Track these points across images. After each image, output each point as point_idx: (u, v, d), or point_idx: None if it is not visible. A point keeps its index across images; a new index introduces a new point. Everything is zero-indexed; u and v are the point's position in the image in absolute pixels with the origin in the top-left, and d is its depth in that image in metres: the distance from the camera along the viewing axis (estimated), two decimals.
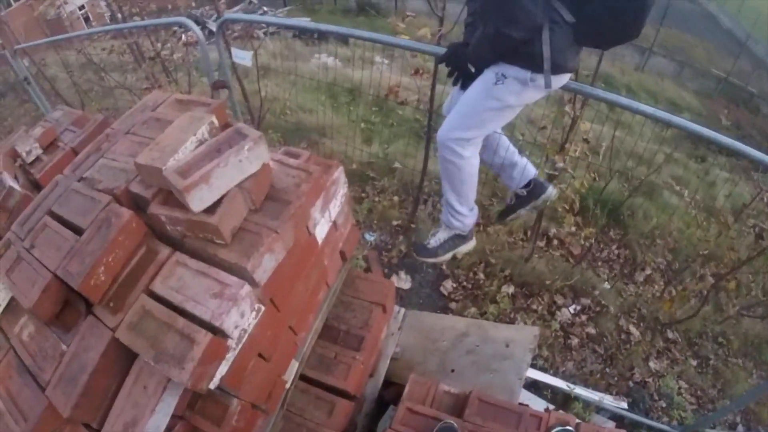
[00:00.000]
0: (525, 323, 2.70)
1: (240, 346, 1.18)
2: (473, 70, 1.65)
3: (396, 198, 3.45)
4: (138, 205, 1.25)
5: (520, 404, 2.27)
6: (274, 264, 1.20)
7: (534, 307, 2.82)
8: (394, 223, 3.27)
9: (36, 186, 1.63)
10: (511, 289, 2.87)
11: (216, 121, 1.27)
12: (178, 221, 1.15)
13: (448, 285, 2.92)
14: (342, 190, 1.56)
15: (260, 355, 1.30)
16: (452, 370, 2.35)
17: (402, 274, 3.01)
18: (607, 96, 1.78)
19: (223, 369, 1.14)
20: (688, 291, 2.67)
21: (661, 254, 3.16)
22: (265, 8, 12.66)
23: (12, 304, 1.28)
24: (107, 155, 1.35)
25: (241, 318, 1.12)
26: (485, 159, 2.01)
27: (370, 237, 3.23)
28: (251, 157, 1.15)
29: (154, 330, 1.09)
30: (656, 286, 3.08)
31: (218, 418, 1.25)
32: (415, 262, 3.01)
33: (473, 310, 2.74)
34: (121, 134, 1.43)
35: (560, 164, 2.17)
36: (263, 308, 1.22)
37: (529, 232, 3.19)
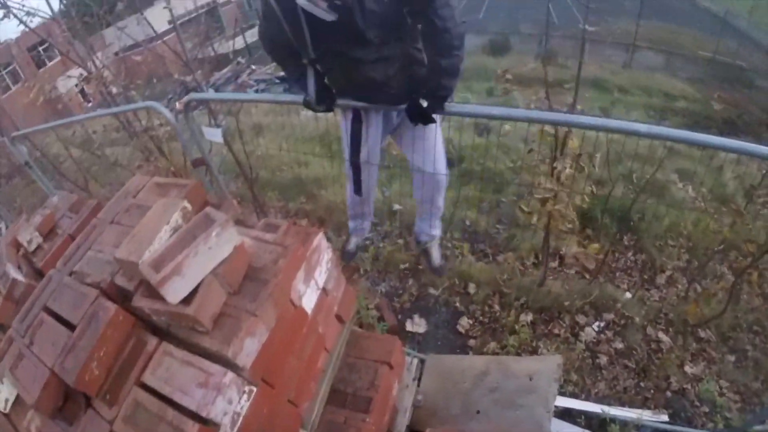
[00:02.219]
0: (548, 350, 2.60)
1: (235, 429, 1.16)
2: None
3: (401, 241, 3.44)
4: (125, 295, 1.28)
5: None
6: (258, 346, 1.19)
7: (556, 331, 2.71)
8: (402, 266, 3.25)
9: (39, 273, 1.70)
10: (529, 317, 2.78)
11: (189, 206, 1.30)
12: (160, 312, 1.17)
13: (464, 322, 2.86)
14: (327, 256, 1.56)
15: None
16: (477, 412, 2.26)
17: (416, 318, 2.97)
18: (593, 122, 1.72)
19: None
20: (710, 290, 2.52)
21: (677, 256, 3.01)
22: (253, 66, 13.15)
23: (20, 398, 1.32)
24: (94, 247, 1.39)
25: (229, 404, 1.11)
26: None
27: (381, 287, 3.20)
28: (220, 242, 1.16)
29: (147, 422, 1.11)
30: (680, 286, 2.94)
31: None
32: (428, 304, 2.98)
33: (493, 344, 2.66)
34: (106, 224, 1.48)
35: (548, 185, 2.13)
36: (255, 389, 1.21)
37: (539, 255, 3.11)
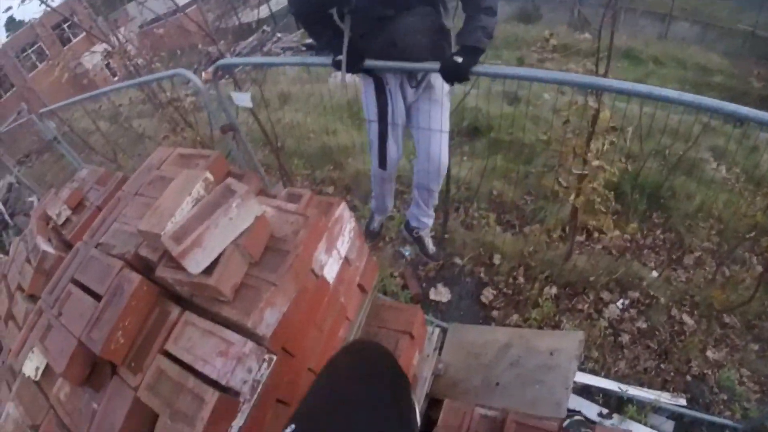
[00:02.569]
0: (571, 325, 2.55)
1: (255, 397, 1.18)
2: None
3: None
4: (149, 266, 1.30)
5: (570, 411, 2.14)
6: (279, 316, 1.19)
7: (579, 306, 2.65)
8: None
9: (68, 246, 1.75)
10: (553, 291, 2.72)
11: (211, 177, 1.29)
12: (183, 283, 1.18)
13: (488, 293, 2.82)
14: (349, 226, 1.54)
15: (280, 401, 1.30)
16: (497, 384, 2.25)
17: (440, 287, 2.95)
18: (622, 86, 1.61)
19: (239, 421, 1.15)
20: (739, 276, 2.39)
21: (707, 237, 2.86)
22: (279, 34, 12.94)
23: (49, 367, 1.38)
24: (119, 219, 1.41)
25: (248, 373, 1.12)
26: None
27: (406, 252, 3.19)
28: (241, 213, 1.15)
29: (169, 390, 1.13)
30: (707, 269, 2.81)
31: None
32: (452, 273, 2.95)
33: (516, 317, 2.63)
34: (130, 196, 1.50)
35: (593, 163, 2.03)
36: (275, 357, 1.22)
37: (567, 228, 3.01)
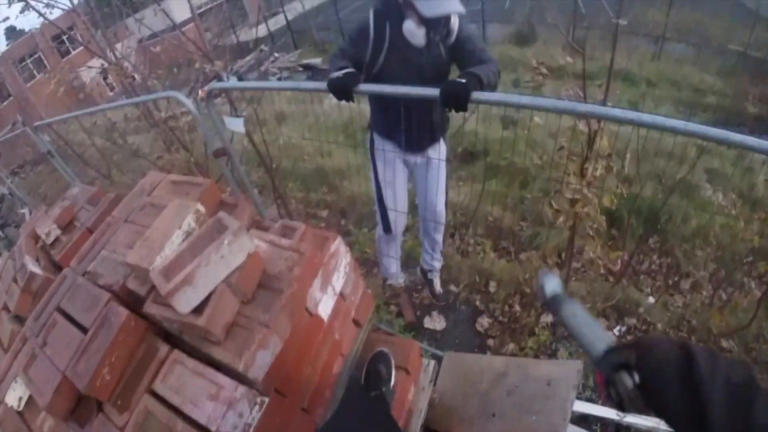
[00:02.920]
0: (568, 353, 2.49)
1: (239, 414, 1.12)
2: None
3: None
4: (137, 299, 1.24)
5: None
6: (271, 358, 1.14)
7: None
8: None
9: (57, 267, 1.68)
10: (549, 318, 2.67)
11: (202, 209, 1.25)
12: (172, 321, 1.12)
13: (484, 321, 2.78)
14: (344, 260, 1.49)
15: None
16: (493, 414, 2.19)
17: (435, 315, 2.89)
18: (626, 116, 1.55)
19: None
20: (737, 300, 2.36)
21: (703, 265, 2.83)
22: (276, 54, 13.00)
23: (33, 398, 1.31)
24: (108, 246, 1.36)
25: (239, 418, 1.07)
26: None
27: (400, 279, 3.13)
28: (233, 250, 1.10)
29: None
30: (704, 293, 2.78)
31: None
32: (448, 300, 2.91)
33: (512, 345, 2.58)
34: (120, 222, 1.45)
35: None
36: (266, 399, 1.16)
37: (563, 255, 2.99)
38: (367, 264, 3.31)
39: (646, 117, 1.52)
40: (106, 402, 1.13)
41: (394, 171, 2.14)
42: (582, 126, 2.04)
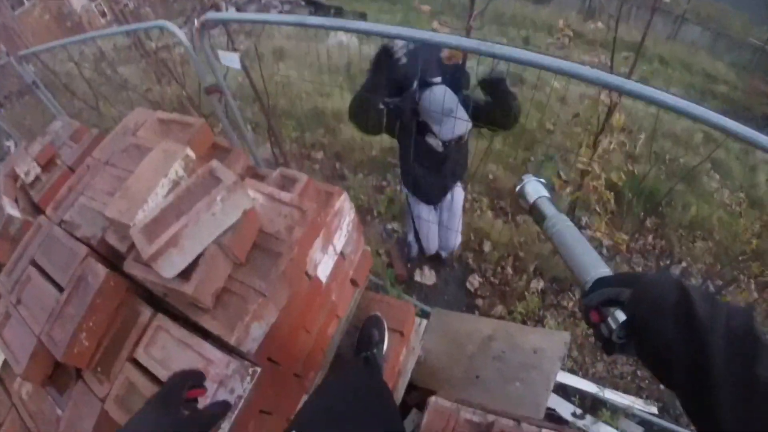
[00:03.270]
0: (555, 322, 2.45)
1: (235, 413, 1.01)
2: None
3: None
4: (117, 254, 1.07)
5: (547, 409, 2.07)
6: (266, 329, 1.01)
7: (564, 303, 2.55)
8: None
9: (37, 209, 1.49)
10: (540, 285, 2.61)
11: (192, 154, 1.06)
12: (155, 284, 0.96)
13: (475, 281, 2.69)
14: (348, 218, 1.33)
15: (263, 411, 1.14)
16: (477, 377, 2.15)
17: (426, 269, 2.79)
18: (654, 96, 1.37)
19: None
20: (725, 298, 2.31)
21: (701, 257, 2.75)
22: None
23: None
24: (87, 192, 1.17)
25: (230, 394, 0.94)
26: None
27: (393, 230, 3.00)
28: (227, 207, 0.93)
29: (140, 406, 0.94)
30: (693, 280, 2.72)
31: None
32: (440, 256, 2.79)
33: (500, 308, 2.51)
34: (101, 165, 1.24)
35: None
36: (259, 370, 1.04)
37: None
38: (359, 211, 3.16)
39: (670, 99, 1.34)
40: (85, 370, 0.99)
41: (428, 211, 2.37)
42: (604, 97, 1.84)
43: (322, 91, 4.08)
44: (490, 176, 3.22)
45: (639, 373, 2.34)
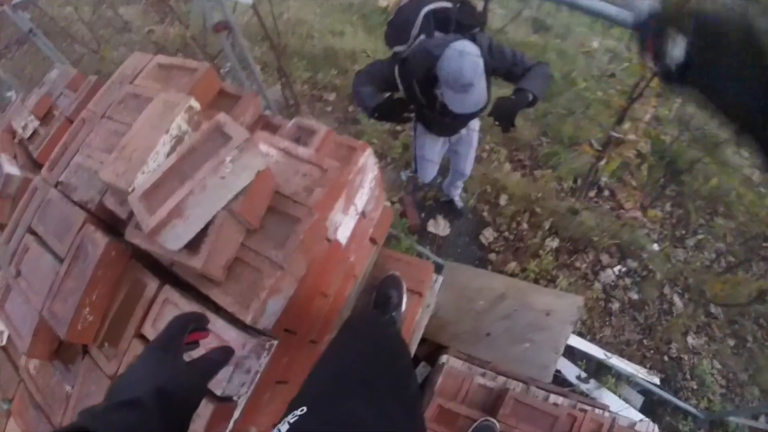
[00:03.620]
0: (568, 282, 2.36)
1: (252, 387, 0.92)
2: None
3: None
4: (118, 220, 0.94)
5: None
6: (283, 303, 0.89)
7: (578, 264, 2.44)
8: None
9: (37, 165, 1.35)
10: (555, 243, 2.48)
11: (196, 105, 0.89)
12: (161, 255, 0.84)
13: (489, 234, 2.56)
14: (371, 174, 1.18)
15: (279, 381, 1.06)
16: (487, 334, 2.10)
17: (440, 219, 2.64)
18: None
19: (236, 415, 0.91)
20: (739, 279, 2.18)
21: (721, 237, 2.58)
22: None
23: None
24: (83, 150, 1.01)
25: (246, 374, 0.85)
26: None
27: (406, 176, 2.82)
28: (237, 169, 0.78)
29: None
30: (706, 254, 2.57)
31: None
32: (455, 206, 2.65)
33: (513, 264, 2.41)
34: (97, 118, 1.08)
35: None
36: (275, 343, 0.95)
37: (579, 180, 2.69)
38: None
39: None
40: (91, 345, 0.89)
41: (433, 148, 2.12)
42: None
43: (335, 30, 3.72)
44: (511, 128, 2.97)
45: (645, 342, 2.28)
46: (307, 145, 1.08)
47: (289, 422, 0.57)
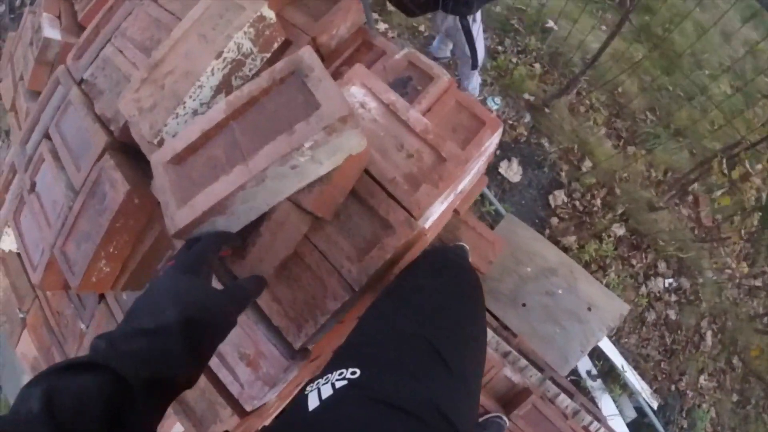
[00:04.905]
0: (617, 277, 1.97)
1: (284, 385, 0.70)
2: None
3: (538, 66, 2.27)
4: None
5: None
6: (342, 317, 0.60)
7: (634, 262, 2.02)
8: (526, 96, 2.20)
9: (81, 28, 0.98)
10: (621, 231, 2.03)
11: (270, 15, 0.48)
12: None
13: (559, 196, 2.10)
14: (490, 149, 0.77)
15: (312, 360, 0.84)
16: (523, 304, 1.82)
17: (514, 163, 2.15)
18: None
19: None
20: None
21: None
22: None
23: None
24: (115, 38, 0.63)
25: (283, 384, 0.61)
26: None
27: (493, 104, 2.25)
28: (319, 156, 0.41)
29: None
30: (756, 302, 2.08)
31: None
32: (534, 152, 2.14)
33: (573, 238, 2.01)
34: None
35: None
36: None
37: (670, 173, 2.09)
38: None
39: None
40: (111, 290, 0.65)
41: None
42: None
43: None
44: (620, 89, 2.25)
45: (662, 364, 1.97)
46: (417, 97, 0.67)
47: (333, 386, 0.37)
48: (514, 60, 2.28)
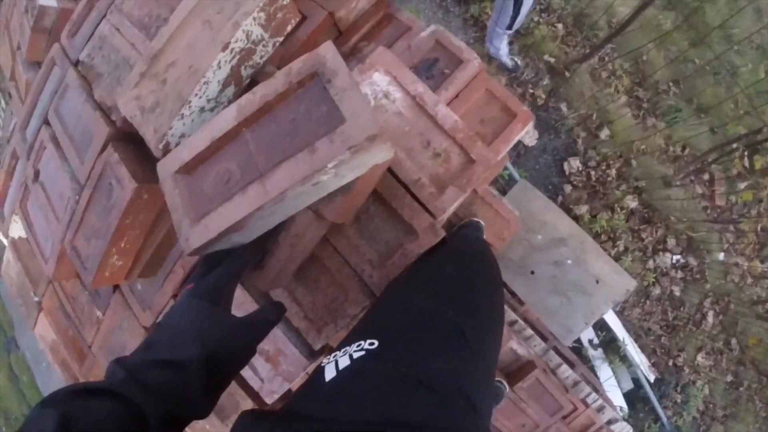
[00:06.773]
0: (626, 248, 1.94)
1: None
2: None
3: (561, 27, 2.07)
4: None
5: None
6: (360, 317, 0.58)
7: (644, 236, 1.96)
8: (547, 58, 2.04)
9: None
10: (634, 204, 1.95)
11: (285, 1, 0.40)
12: None
13: (574, 164, 2.01)
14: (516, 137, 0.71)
15: None
16: (532, 272, 1.81)
17: (531, 126, 2.05)
18: None
19: None
20: None
21: None
22: None
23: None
24: (111, 14, 0.55)
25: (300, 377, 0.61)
26: None
27: (514, 64, 2.08)
28: (344, 172, 0.36)
29: None
30: (759, 289, 2.01)
31: None
32: (549, 117, 2.02)
33: (585, 208, 1.95)
34: None
35: None
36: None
37: (688, 150, 1.96)
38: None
39: None
40: (123, 283, 0.63)
41: None
42: None
43: None
44: (644, 57, 2.04)
45: (662, 339, 1.99)
46: (443, 83, 0.59)
47: (351, 356, 0.36)
48: (536, 18, 2.07)
